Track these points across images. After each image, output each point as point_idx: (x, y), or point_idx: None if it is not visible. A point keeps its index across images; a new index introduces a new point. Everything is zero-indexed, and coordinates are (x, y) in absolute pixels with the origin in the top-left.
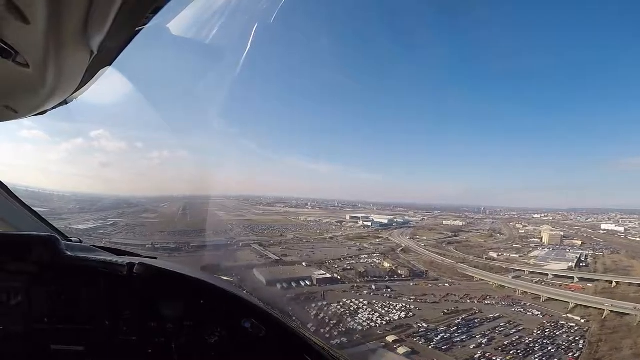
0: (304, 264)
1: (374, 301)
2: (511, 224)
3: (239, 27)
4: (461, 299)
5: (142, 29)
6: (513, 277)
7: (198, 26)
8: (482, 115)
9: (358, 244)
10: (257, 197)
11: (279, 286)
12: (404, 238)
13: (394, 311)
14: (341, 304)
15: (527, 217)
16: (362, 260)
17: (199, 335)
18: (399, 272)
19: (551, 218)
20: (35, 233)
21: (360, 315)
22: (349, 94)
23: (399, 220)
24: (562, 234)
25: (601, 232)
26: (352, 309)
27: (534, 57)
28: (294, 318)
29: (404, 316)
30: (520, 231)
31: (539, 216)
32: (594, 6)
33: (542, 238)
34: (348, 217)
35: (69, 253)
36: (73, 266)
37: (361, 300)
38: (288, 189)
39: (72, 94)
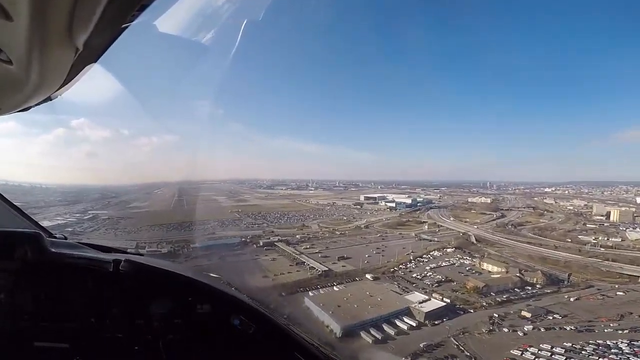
0: (368, 276)
1: (572, 343)
2: (535, 199)
3: (228, 21)
4: None
5: (128, 26)
6: None
7: (186, 22)
8: (475, 93)
9: (407, 233)
10: (254, 180)
11: (365, 337)
12: (450, 221)
13: None
14: None
15: (537, 190)
16: (443, 262)
17: (186, 332)
18: (526, 278)
19: (567, 192)
20: (18, 230)
21: None
22: (339, 76)
23: (419, 199)
24: (633, 210)
25: None
26: None
27: (536, 34)
28: (283, 315)
29: None
30: (567, 207)
31: (550, 190)
32: None
33: (607, 215)
34: (362, 198)
35: (53, 250)
36: (58, 263)
37: (547, 347)
38: (284, 171)
39: (56, 90)
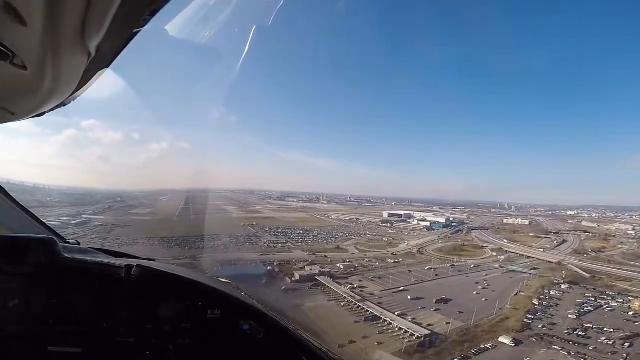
0: (504, 340)
1: None
2: (570, 222)
3: (239, 28)
4: None
5: (139, 30)
6: None
7: (197, 27)
8: (490, 114)
9: (474, 262)
10: (263, 190)
11: None
12: (509, 245)
13: None
14: None
15: (559, 213)
16: (584, 307)
17: (196, 337)
18: None
19: (593, 215)
20: (32, 235)
21: None
22: (352, 92)
23: (451, 219)
24: None
25: None
26: None
27: (561, 53)
28: (292, 320)
29: None
30: (628, 232)
31: (573, 212)
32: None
33: None
34: (386, 215)
35: (66, 255)
36: (71, 268)
37: None
38: (293, 182)
39: (70, 95)
